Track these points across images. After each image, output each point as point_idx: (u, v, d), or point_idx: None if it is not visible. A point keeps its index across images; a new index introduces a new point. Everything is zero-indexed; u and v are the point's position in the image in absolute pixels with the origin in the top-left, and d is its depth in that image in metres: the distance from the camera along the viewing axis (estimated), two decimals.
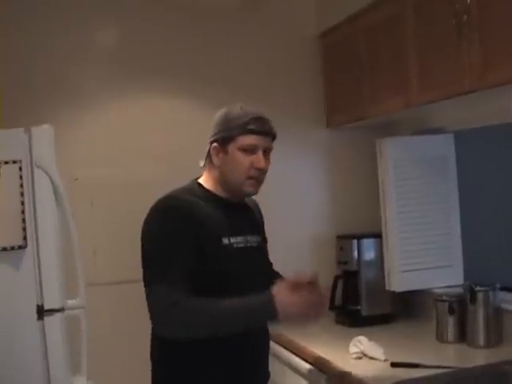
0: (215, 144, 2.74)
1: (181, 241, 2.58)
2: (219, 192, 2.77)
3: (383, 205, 4.15)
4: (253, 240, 2.81)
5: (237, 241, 2.72)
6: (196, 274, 2.58)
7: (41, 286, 3.20)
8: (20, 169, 3.17)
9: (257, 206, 3.03)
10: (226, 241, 2.68)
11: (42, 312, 3.20)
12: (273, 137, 2.77)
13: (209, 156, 2.80)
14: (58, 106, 4.34)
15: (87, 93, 4.44)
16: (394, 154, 4.13)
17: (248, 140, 2.69)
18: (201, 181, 2.81)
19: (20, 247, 3.16)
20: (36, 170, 3.21)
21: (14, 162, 3.16)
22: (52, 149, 3.32)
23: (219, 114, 2.79)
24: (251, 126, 2.68)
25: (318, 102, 4.79)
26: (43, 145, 3.26)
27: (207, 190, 2.77)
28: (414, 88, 3.67)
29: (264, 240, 2.95)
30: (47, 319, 3.21)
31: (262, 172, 2.73)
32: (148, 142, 4.51)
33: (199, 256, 2.59)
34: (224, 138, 2.71)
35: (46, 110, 4.24)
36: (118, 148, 4.46)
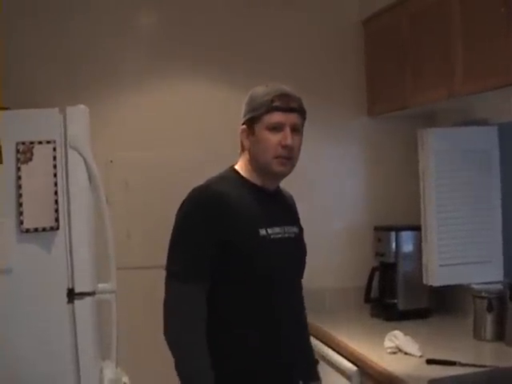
0: (243, 126, 2.67)
1: (204, 236, 2.53)
2: (254, 179, 2.69)
3: (423, 197, 4.05)
4: (290, 231, 2.74)
5: (274, 232, 2.64)
6: (234, 268, 2.53)
7: (72, 268, 3.17)
8: (54, 149, 3.14)
9: (291, 196, 2.95)
10: (263, 232, 2.60)
11: (72, 295, 3.18)
12: (301, 113, 2.68)
13: (240, 141, 2.74)
14: (94, 86, 4.32)
15: (124, 74, 4.42)
16: (435, 145, 4.03)
17: (273, 118, 2.60)
18: (237, 167, 2.74)
19: (52, 228, 3.13)
20: (70, 151, 3.18)
21: (48, 142, 3.13)
22: (87, 130, 3.28)
23: (247, 96, 2.72)
24: (276, 103, 2.59)
25: (359, 89, 4.70)
26: (78, 125, 3.22)
27: (243, 178, 2.69)
28: (459, 78, 3.57)
29: (301, 230, 2.88)
30: (77, 303, 3.18)
31: (291, 149, 2.62)
32: (185, 124, 4.48)
33: (235, 250, 2.53)
34: (251, 118, 2.64)
35: (81, 90, 4.23)
36: (153, 130, 4.43)
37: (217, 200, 2.56)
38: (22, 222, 3.09)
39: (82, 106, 3.25)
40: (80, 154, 3.18)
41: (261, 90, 2.65)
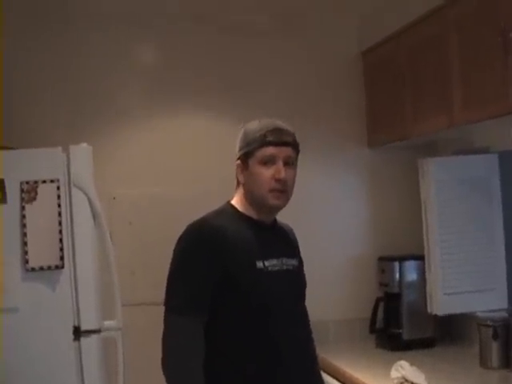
0: (238, 161, 2.70)
1: (203, 270, 2.55)
2: (250, 213, 2.71)
3: (425, 226, 4.07)
4: (289, 263, 2.74)
5: (271, 264, 2.65)
6: (231, 301, 2.55)
7: (77, 306, 3.18)
8: (58, 188, 3.17)
9: (291, 230, 2.96)
10: (260, 264, 2.62)
11: (78, 333, 3.19)
12: (294, 146, 2.70)
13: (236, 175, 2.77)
14: (96, 124, 4.36)
15: (126, 112, 4.45)
16: (436, 174, 4.05)
17: (266, 152, 2.62)
18: (233, 202, 2.76)
19: (57, 267, 3.14)
20: (74, 190, 3.20)
21: (52, 181, 3.16)
22: (90, 168, 3.30)
23: (241, 131, 2.75)
24: (268, 138, 2.62)
25: (359, 120, 4.72)
26: (81, 164, 3.24)
27: (239, 212, 2.71)
28: (458, 107, 3.59)
29: (300, 263, 2.88)
30: (84, 340, 3.19)
31: (284, 183, 2.64)
32: (187, 160, 4.50)
33: (232, 283, 2.55)
34: (245, 153, 2.67)
35: (84, 127, 4.27)
36: (156, 167, 4.45)
37: (213, 234, 2.58)
38: (27, 261, 3.11)
39: (84, 145, 3.28)
40: (84, 193, 3.20)
41: (254, 126, 2.68)
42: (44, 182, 3.15)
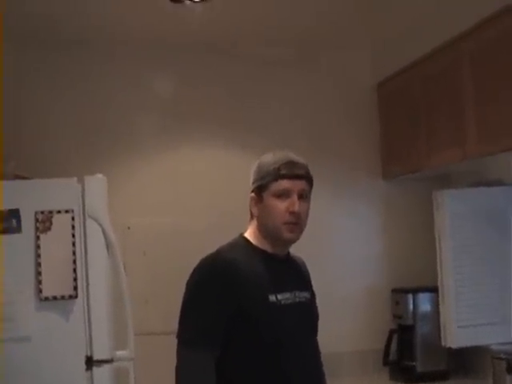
0: (252, 194, 2.71)
1: (216, 304, 2.55)
2: (264, 245, 2.71)
3: (439, 258, 4.06)
4: (301, 296, 2.74)
5: (284, 297, 2.65)
6: (243, 334, 2.54)
7: (90, 336, 3.19)
8: (72, 218, 3.18)
9: (303, 262, 2.96)
10: (272, 298, 2.61)
11: (90, 363, 3.18)
12: (308, 180, 2.71)
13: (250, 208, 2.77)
14: (111, 154, 4.41)
15: (140, 142, 4.49)
16: (451, 206, 4.05)
17: (280, 185, 2.64)
18: (246, 235, 2.76)
19: (70, 297, 3.15)
20: (88, 220, 3.22)
21: (67, 211, 3.17)
22: (105, 199, 3.32)
23: (255, 164, 2.75)
24: (282, 171, 2.63)
25: (374, 152, 4.74)
26: (96, 194, 3.26)
27: (252, 245, 2.72)
28: (472, 139, 3.61)
29: (313, 295, 2.88)
30: (96, 370, 3.19)
31: (298, 216, 2.65)
32: (200, 191, 4.52)
33: (245, 316, 2.54)
34: (259, 186, 2.68)
35: (99, 158, 4.31)
36: (170, 197, 4.48)
37: (226, 268, 2.58)
38: (40, 291, 3.12)
39: (99, 176, 3.30)
40: (98, 223, 3.22)
41: (268, 159, 2.69)
42: (59, 212, 3.16)
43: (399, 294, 4.42)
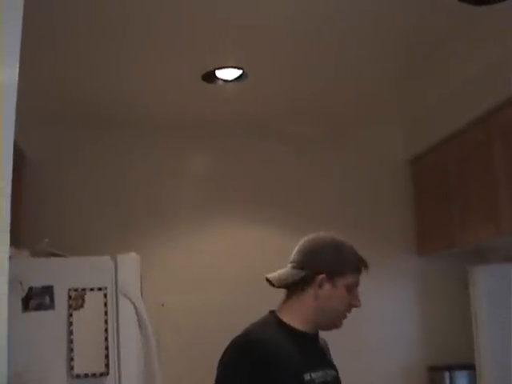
0: (323, 276, 2.65)
1: (246, 381, 2.52)
2: (296, 324, 2.69)
3: (476, 335, 4.00)
4: (331, 374, 2.71)
5: (318, 376, 2.61)
6: None
7: None
8: (105, 296, 3.20)
9: (325, 341, 2.92)
10: (307, 377, 2.58)
11: None
12: None
13: (300, 285, 2.71)
14: (146, 231, 4.44)
15: (174, 221, 4.53)
16: (487, 282, 4.01)
17: (356, 278, 2.63)
18: (280, 313, 2.74)
19: (102, 374, 3.14)
20: (121, 297, 3.23)
21: (100, 289, 3.19)
22: (137, 276, 3.34)
23: (322, 242, 2.68)
24: (363, 266, 2.64)
25: (408, 228, 4.74)
26: (129, 272, 3.28)
27: (283, 323, 2.69)
28: (506, 215, 3.58)
29: (337, 373, 2.85)
30: None
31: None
32: (236, 269, 4.53)
33: None
34: (336, 271, 2.65)
35: (134, 236, 4.34)
36: (205, 274, 4.50)
37: (259, 347, 2.54)
38: (72, 368, 3.12)
39: (132, 254, 3.33)
40: (130, 301, 3.23)
41: (346, 246, 2.66)
42: (92, 289, 3.19)
43: (435, 371, 4.35)
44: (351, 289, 2.62)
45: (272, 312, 2.73)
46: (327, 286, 2.61)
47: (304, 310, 2.66)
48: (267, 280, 2.70)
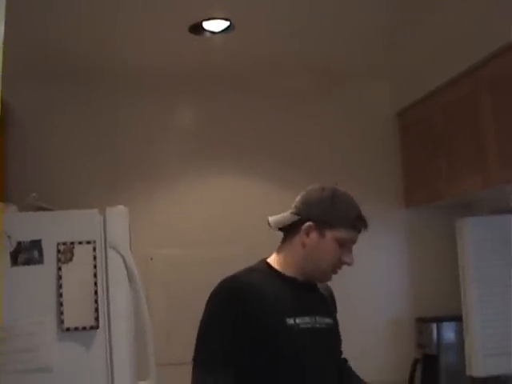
0: (310, 223, 2.64)
1: (231, 327, 2.53)
2: (288, 272, 2.69)
3: (463, 287, 4.03)
4: (322, 321, 2.71)
5: (304, 321, 2.62)
6: (259, 357, 2.53)
7: (112, 367, 3.18)
8: (94, 249, 3.19)
9: (331, 292, 2.92)
10: (290, 321, 2.58)
11: None
12: None
13: (292, 231, 2.71)
14: (133, 185, 4.44)
15: (163, 173, 4.53)
16: (473, 234, 4.03)
17: (349, 235, 2.62)
18: (271, 260, 2.75)
19: (92, 328, 3.15)
20: (109, 251, 3.22)
21: (88, 242, 3.19)
22: (126, 230, 3.33)
23: (320, 193, 2.66)
24: (358, 225, 2.63)
25: (396, 181, 4.75)
26: (117, 226, 3.27)
27: (273, 269, 2.70)
28: (493, 167, 3.58)
29: (335, 322, 2.85)
30: None
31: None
32: (223, 220, 4.54)
33: (261, 339, 2.53)
34: (326, 222, 2.64)
35: (121, 189, 4.34)
36: (192, 227, 4.50)
37: (243, 292, 2.56)
38: (62, 321, 3.12)
39: (121, 207, 3.31)
40: (119, 254, 3.22)
41: (344, 202, 2.66)
42: (80, 243, 3.18)
43: (423, 323, 4.39)
44: (344, 244, 2.63)
45: (264, 260, 2.75)
46: (314, 235, 2.62)
47: (292, 256, 2.68)
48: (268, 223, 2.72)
